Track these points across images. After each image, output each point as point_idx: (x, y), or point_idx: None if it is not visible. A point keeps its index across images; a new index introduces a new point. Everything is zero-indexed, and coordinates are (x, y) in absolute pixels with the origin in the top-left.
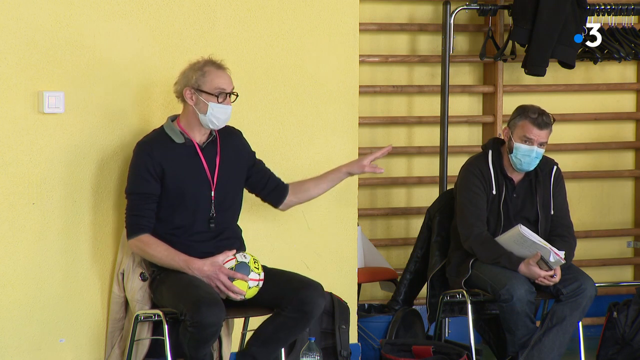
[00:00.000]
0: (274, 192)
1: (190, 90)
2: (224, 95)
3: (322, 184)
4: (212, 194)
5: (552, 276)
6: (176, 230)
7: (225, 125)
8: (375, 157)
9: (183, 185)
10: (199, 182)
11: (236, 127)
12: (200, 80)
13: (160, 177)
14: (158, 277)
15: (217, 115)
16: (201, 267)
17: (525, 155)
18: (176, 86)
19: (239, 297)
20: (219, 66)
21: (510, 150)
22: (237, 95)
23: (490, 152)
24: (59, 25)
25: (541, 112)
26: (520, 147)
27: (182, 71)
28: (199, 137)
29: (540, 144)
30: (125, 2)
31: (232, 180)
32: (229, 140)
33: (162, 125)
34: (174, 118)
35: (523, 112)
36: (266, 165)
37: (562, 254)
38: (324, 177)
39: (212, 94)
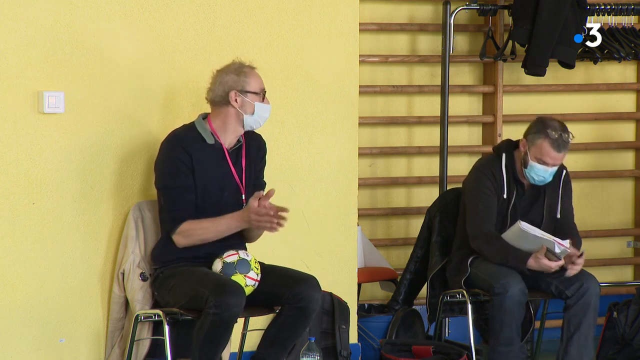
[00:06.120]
0: None
1: (236, 92)
2: (264, 94)
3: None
4: (244, 198)
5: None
6: None
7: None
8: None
9: (209, 185)
10: (228, 187)
11: None
12: (245, 82)
13: (191, 171)
14: (161, 274)
15: (262, 114)
16: (247, 216)
17: (540, 175)
18: (212, 92)
19: (280, 226)
20: (252, 67)
21: (525, 165)
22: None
23: (504, 155)
24: (59, 25)
25: (562, 130)
26: (534, 167)
27: (216, 77)
28: (229, 142)
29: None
30: (125, 2)
31: (252, 182)
32: (253, 143)
33: (193, 122)
34: (205, 116)
35: (543, 129)
36: (266, 167)
37: (566, 242)
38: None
39: (257, 94)
